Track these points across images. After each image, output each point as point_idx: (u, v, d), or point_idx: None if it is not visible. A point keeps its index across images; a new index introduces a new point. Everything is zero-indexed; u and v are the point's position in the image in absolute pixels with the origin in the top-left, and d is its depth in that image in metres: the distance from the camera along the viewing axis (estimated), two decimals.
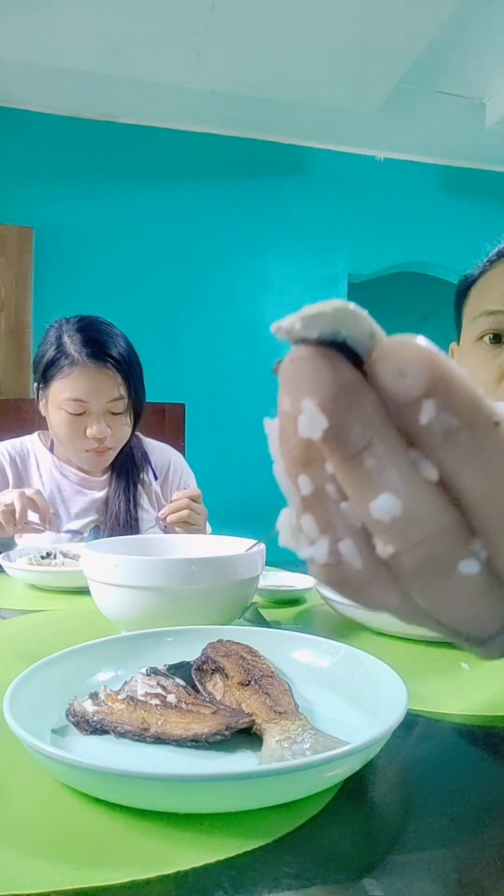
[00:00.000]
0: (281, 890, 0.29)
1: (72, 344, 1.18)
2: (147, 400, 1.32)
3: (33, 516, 1.06)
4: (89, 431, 1.20)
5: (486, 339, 0.73)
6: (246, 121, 3.35)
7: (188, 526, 1.12)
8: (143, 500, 1.32)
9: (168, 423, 1.72)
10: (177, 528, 1.13)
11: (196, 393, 3.24)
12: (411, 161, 3.73)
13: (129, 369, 1.22)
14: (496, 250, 0.80)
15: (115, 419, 1.22)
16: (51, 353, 1.20)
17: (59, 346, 1.19)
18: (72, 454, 1.26)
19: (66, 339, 1.19)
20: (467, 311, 0.80)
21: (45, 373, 1.21)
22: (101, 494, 1.30)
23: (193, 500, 1.11)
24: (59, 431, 1.23)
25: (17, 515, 1.01)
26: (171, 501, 1.12)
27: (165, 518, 1.10)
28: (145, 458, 1.36)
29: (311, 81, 2.88)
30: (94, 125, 3.29)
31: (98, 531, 1.28)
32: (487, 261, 0.81)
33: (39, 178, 3.21)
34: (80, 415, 1.19)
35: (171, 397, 1.92)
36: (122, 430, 1.25)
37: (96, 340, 1.19)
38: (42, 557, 1.03)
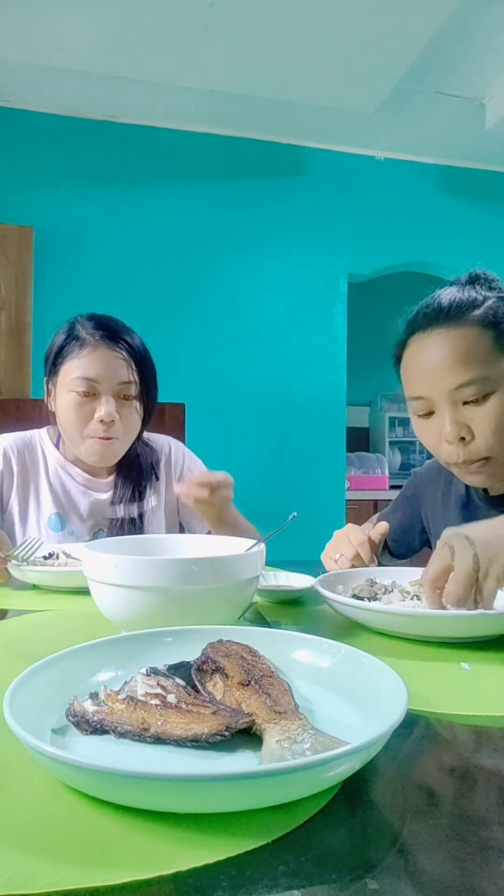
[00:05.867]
0: (280, 890, 0.29)
1: (84, 329, 1.20)
2: None
3: None
4: (97, 413, 1.17)
5: (420, 416, 0.92)
6: (245, 121, 3.35)
7: (207, 505, 1.10)
8: (148, 504, 1.31)
9: (168, 422, 1.72)
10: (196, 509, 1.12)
11: (196, 393, 3.23)
12: (411, 161, 3.72)
13: (142, 359, 1.22)
14: (413, 314, 0.93)
15: (124, 405, 1.20)
16: (62, 340, 1.21)
17: (71, 332, 1.21)
18: (78, 442, 1.22)
19: (78, 326, 1.21)
20: (403, 385, 0.95)
21: (56, 359, 1.22)
22: (105, 496, 1.29)
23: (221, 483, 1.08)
24: (66, 417, 1.20)
25: None
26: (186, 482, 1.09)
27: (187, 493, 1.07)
28: (153, 467, 1.34)
29: (310, 81, 2.88)
30: (93, 125, 3.29)
31: (102, 536, 1.28)
32: (408, 328, 0.93)
33: (39, 178, 3.20)
34: (89, 396, 1.18)
35: (171, 397, 1.92)
36: (132, 418, 1.22)
37: (109, 326, 1.20)
38: (44, 558, 1.04)
